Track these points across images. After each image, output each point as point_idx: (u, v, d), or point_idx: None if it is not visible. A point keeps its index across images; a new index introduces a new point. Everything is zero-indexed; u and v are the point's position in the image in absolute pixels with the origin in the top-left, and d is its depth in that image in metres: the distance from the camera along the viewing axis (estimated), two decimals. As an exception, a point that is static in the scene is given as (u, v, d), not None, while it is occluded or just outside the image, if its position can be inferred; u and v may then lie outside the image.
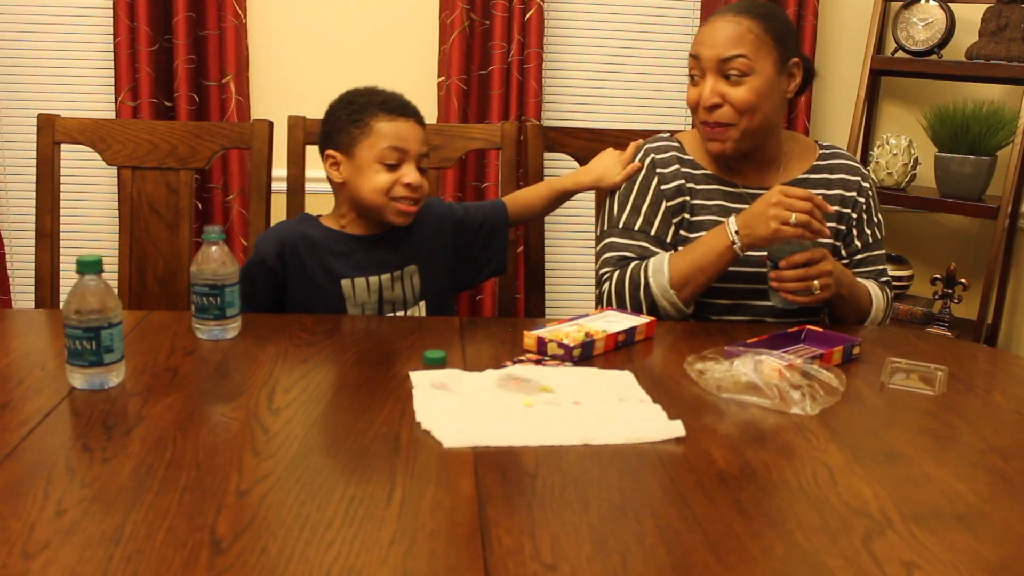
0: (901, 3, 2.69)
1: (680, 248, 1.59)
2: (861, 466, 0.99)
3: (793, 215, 1.43)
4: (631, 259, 1.60)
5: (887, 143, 2.67)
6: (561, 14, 2.75)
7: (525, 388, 1.16)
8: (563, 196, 1.74)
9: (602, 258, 1.64)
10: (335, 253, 1.55)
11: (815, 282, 1.44)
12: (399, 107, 1.53)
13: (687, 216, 1.61)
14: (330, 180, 1.57)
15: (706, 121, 1.56)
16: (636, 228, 1.61)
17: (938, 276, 2.64)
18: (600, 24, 2.77)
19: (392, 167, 1.51)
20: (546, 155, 1.92)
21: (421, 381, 1.17)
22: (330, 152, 1.55)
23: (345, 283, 1.54)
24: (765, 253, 1.50)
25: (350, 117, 1.52)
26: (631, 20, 2.78)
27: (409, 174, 1.51)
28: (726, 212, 1.58)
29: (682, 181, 1.62)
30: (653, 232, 1.61)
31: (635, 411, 1.10)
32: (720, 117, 1.54)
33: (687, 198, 1.61)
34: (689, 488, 0.92)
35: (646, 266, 1.55)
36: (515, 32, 2.60)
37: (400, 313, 1.58)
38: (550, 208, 1.77)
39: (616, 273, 1.59)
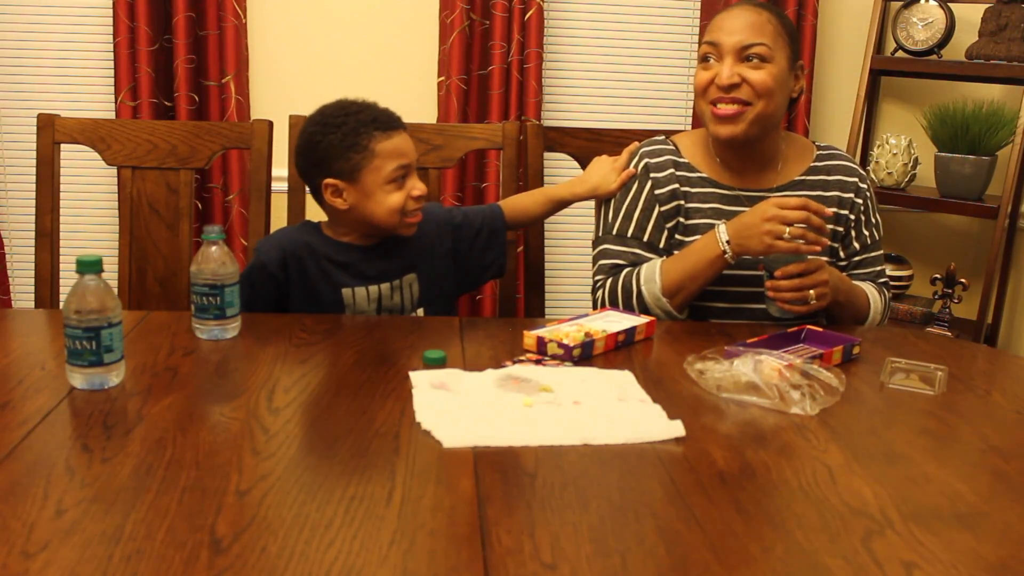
0: (901, 3, 2.69)
1: (672, 254, 1.58)
2: (861, 466, 0.99)
3: (787, 230, 1.42)
4: (623, 266, 1.60)
5: (887, 143, 2.67)
6: (561, 14, 2.75)
7: (525, 388, 1.16)
8: (559, 205, 1.73)
9: (596, 265, 1.65)
10: (336, 263, 1.54)
11: (811, 292, 1.44)
12: (389, 121, 1.50)
13: (682, 220, 1.61)
14: (326, 207, 1.54)
15: (721, 99, 1.53)
16: (629, 235, 1.61)
17: (938, 276, 2.64)
18: (600, 24, 2.77)
19: (400, 183, 1.50)
20: (546, 155, 1.92)
21: (421, 381, 1.17)
22: (329, 181, 1.50)
23: (346, 292, 1.53)
24: (761, 261, 1.50)
25: (344, 142, 1.47)
26: (631, 20, 2.78)
27: (416, 186, 1.51)
28: (722, 215, 1.58)
29: (676, 185, 1.61)
30: (645, 238, 1.61)
31: (635, 411, 1.10)
32: (738, 95, 1.52)
33: (682, 202, 1.61)
34: (689, 488, 0.92)
35: (638, 274, 1.55)
36: (515, 32, 2.60)
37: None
38: (546, 215, 1.76)
39: (609, 281, 1.59)
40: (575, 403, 1.12)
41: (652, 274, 1.54)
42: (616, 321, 1.43)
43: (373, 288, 1.55)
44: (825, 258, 1.59)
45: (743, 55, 1.52)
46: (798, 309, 1.45)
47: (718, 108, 1.54)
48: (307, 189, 1.60)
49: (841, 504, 0.90)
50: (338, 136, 1.48)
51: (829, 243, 1.58)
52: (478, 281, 1.74)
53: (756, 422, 1.10)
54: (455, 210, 1.70)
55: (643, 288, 1.54)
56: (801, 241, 1.43)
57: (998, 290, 2.80)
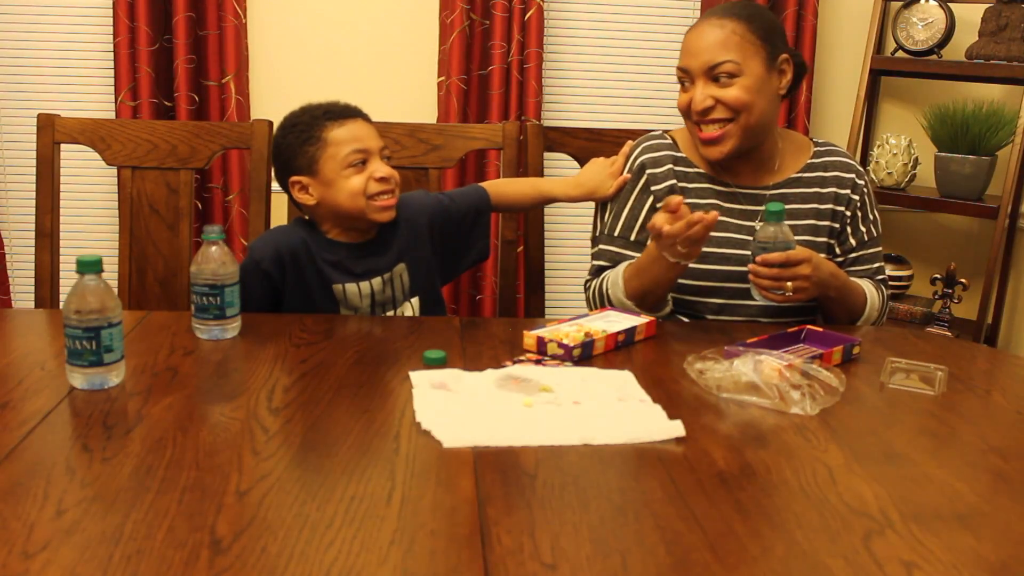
0: (901, 3, 2.70)
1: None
2: (861, 466, 0.99)
3: (675, 245, 1.39)
4: (607, 267, 1.62)
5: (887, 143, 2.67)
6: (561, 14, 2.75)
7: (525, 388, 1.16)
8: (549, 201, 1.75)
9: (591, 263, 1.66)
10: (327, 260, 1.54)
11: (788, 283, 1.44)
12: (343, 111, 1.53)
13: None
14: (301, 206, 1.56)
15: (700, 123, 1.55)
16: (616, 234, 1.62)
17: (938, 276, 2.64)
18: (600, 24, 2.77)
19: (360, 167, 1.51)
20: (546, 155, 1.92)
21: (421, 381, 1.17)
22: (294, 179, 1.53)
23: (337, 288, 1.54)
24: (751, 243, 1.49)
25: (300, 138, 1.51)
26: (631, 20, 2.78)
27: (378, 168, 1.51)
28: (720, 212, 1.57)
29: (674, 181, 1.62)
30: (633, 237, 1.61)
31: (635, 411, 1.10)
32: (717, 115, 1.53)
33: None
34: (689, 488, 0.92)
35: (608, 278, 1.57)
36: (515, 32, 2.60)
37: (391, 313, 1.58)
38: (531, 208, 1.78)
39: (595, 282, 1.62)
40: (575, 403, 1.12)
41: (616, 279, 1.55)
42: (616, 321, 1.43)
43: (365, 284, 1.55)
44: (823, 254, 1.59)
45: (712, 75, 1.52)
46: (773, 297, 1.46)
47: (703, 132, 1.55)
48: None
49: (841, 504, 0.90)
50: (294, 133, 1.52)
51: (828, 226, 1.59)
52: (462, 264, 1.73)
53: (756, 422, 1.10)
54: (441, 195, 1.69)
55: (610, 292, 1.56)
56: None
57: (998, 290, 2.80)
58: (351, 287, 1.54)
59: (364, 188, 1.50)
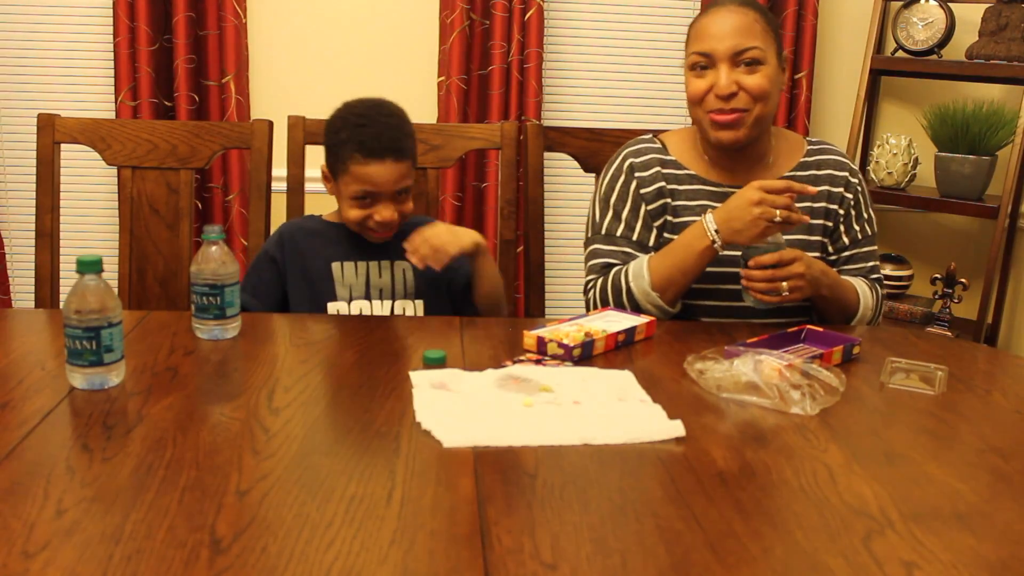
0: (901, 3, 2.70)
1: (659, 250, 1.58)
2: (861, 466, 0.99)
3: (777, 213, 1.42)
4: (614, 266, 1.59)
5: (887, 143, 2.67)
6: (561, 14, 2.75)
7: (525, 388, 1.16)
8: (475, 267, 1.63)
9: (588, 265, 1.64)
10: (328, 240, 1.63)
11: (783, 284, 1.44)
12: (376, 149, 1.52)
13: (670, 218, 1.60)
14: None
15: (721, 110, 1.52)
16: (618, 234, 1.61)
17: (938, 276, 2.64)
18: (600, 23, 2.77)
19: (364, 203, 1.56)
20: (546, 155, 1.92)
21: (421, 381, 1.17)
22: (323, 167, 1.62)
23: (335, 266, 1.61)
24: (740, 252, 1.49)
25: (334, 148, 1.58)
26: (632, 19, 2.78)
27: (381, 212, 1.56)
28: (711, 212, 1.56)
29: (663, 183, 1.61)
30: (635, 237, 1.60)
31: (635, 411, 1.10)
32: (737, 104, 1.52)
33: (668, 200, 1.61)
34: (689, 488, 0.92)
35: (627, 271, 1.54)
36: (515, 32, 2.60)
37: (388, 301, 1.61)
38: (480, 282, 1.64)
39: (600, 280, 1.59)
40: (575, 403, 1.12)
41: (640, 270, 1.53)
42: (616, 321, 1.43)
43: (361, 264, 1.62)
44: (816, 253, 1.59)
45: (737, 60, 1.51)
46: (769, 299, 1.45)
47: (717, 116, 1.53)
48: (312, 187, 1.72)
49: (841, 504, 0.90)
50: (332, 139, 1.59)
51: (821, 224, 1.60)
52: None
53: (756, 422, 1.10)
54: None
55: (632, 284, 1.53)
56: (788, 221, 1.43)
57: (998, 290, 2.80)
58: (348, 265, 1.61)
59: (362, 221, 1.58)
